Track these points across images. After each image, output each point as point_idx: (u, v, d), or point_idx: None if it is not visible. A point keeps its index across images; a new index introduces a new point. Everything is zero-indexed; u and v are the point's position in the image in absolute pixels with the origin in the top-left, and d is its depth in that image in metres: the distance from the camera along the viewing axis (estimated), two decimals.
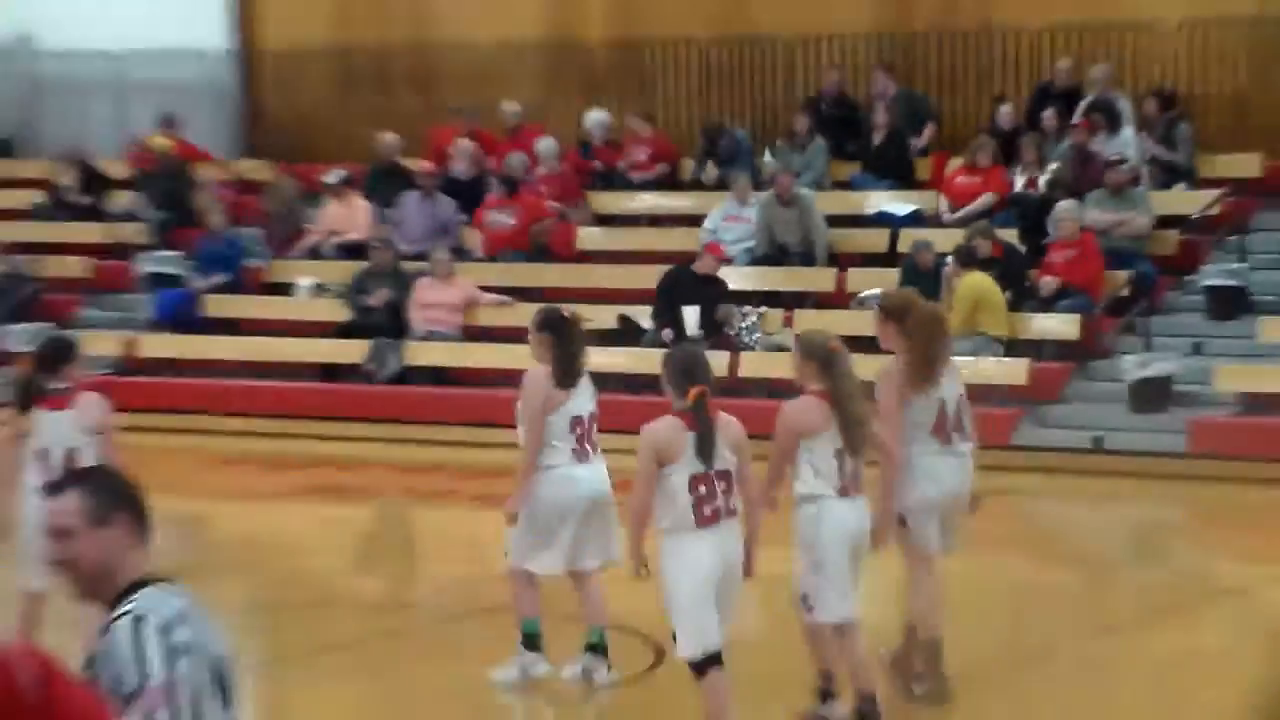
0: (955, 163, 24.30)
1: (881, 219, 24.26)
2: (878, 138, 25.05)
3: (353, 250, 25.15)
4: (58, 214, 27.63)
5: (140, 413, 23.67)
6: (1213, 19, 24.41)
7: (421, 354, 23.32)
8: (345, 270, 24.78)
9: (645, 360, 22.52)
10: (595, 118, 26.45)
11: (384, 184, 25.98)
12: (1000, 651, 14.15)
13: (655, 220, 25.41)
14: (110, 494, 5.68)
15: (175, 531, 20.00)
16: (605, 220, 25.72)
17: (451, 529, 19.05)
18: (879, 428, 11.22)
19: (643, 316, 22.81)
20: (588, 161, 26.28)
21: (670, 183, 25.98)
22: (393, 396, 23.03)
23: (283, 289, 25.59)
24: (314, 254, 25.77)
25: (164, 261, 25.80)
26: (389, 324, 23.61)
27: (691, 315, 22.35)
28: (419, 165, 26.26)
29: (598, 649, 12.29)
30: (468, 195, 25.50)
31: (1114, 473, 20.27)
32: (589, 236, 25.35)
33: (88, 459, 11.43)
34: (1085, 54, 24.62)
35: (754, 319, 22.49)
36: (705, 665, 10.52)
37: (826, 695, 11.30)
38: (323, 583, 16.90)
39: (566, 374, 12.17)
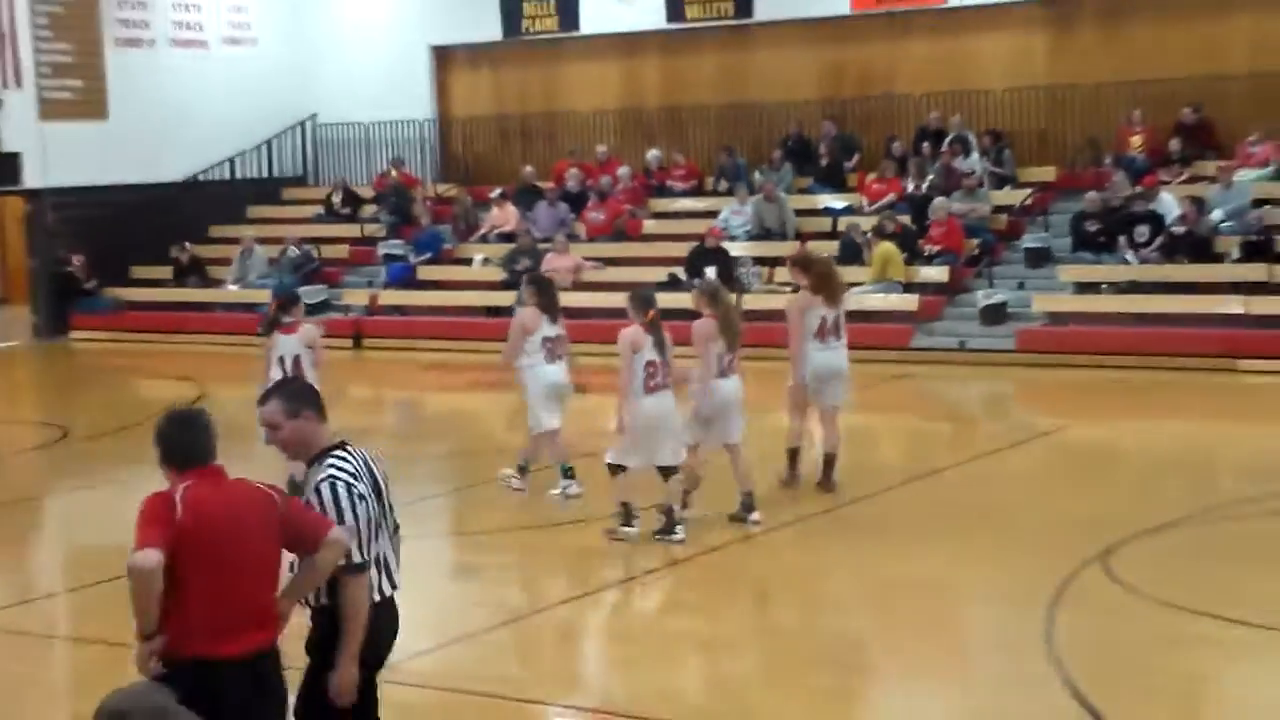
0: (871, 176, 23.85)
1: (827, 211, 23.82)
2: (824, 161, 24.64)
3: (507, 237, 24.81)
4: (330, 219, 27.46)
5: (380, 338, 23.62)
6: (1023, 86, 23.93)
7: None
8: (502, 249, 24.46)
9: (683, 300, 22.31)
10: (652, 154, 26.10)
11: (526, 197, 25.68)
12: (900, 473, 13.92)
13: (688, 214, 24.87)
14: (297, 398, 5.59)
15: (400, 410, 19.86)
16: (659, 215, 25.23)
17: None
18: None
19: (681, 273, 22.42)
20: (648, 180, 25.84)
21: (697, 191, 25.53)
22: None
23: (465, 261, 25.24)
24: (483, 240, 25.42)
25: (394, 247, 25.57)
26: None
27: (710, 272, 21.97)
28: (547, 185, 25.93)
29: (568, 472, 12.56)
30: (576, 202, 25.18)
31: (972, 363, 19.99)
32: (649, 225, 24.92)
33: (306, 365, 12.15)
34: (948, 108, 24.13)
35: (754, 271, 22.28)
36: (616, 470, 11.12)
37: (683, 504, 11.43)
38: (489, 439, 16.71)
39: (550, 310, 12.56)
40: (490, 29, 27.82)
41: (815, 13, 25.27)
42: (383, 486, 5.62)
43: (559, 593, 10.31)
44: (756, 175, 24.56)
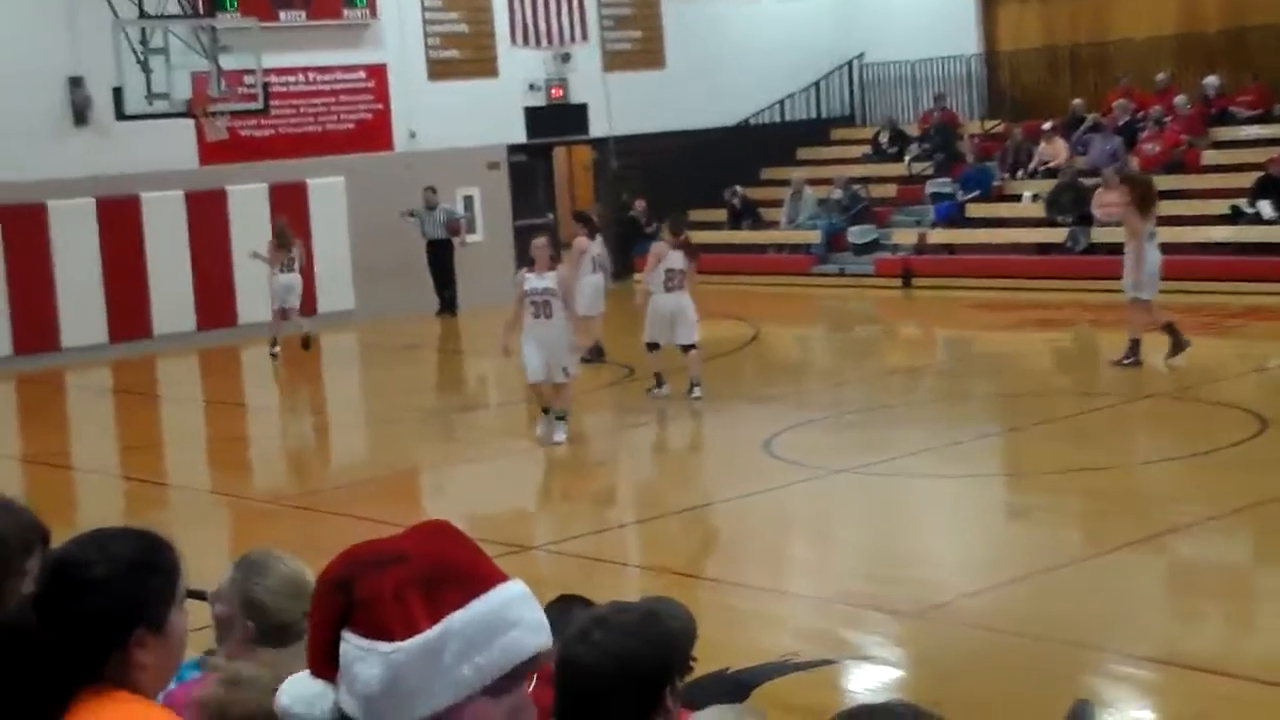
0: None
1: None
2: None
3: (1053, 173, 24.11)
4: (877, 158, 27.51)
5: (928, 277, 23.53)
6: None
7: (1099, 235, 22.18)
8: (1049, 185, 23.78)
9: (1245, 232, 21.25)
10: (1210, 81, 24.67)
11: (1075, 129, 24.87)
12: None
13: (1254, 142, 23.37)
14: None
15: (950, 348, 19.69)
16: (1220, 144, 23.85)
17: (1121, 345, 17.71)
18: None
19: (1244, 205, 21.25)
20: (1207, 108, 24.48)
21: (1264, 118, 23.94)
22: (1082, 263, 22.00)
23: (1013, 198, 24.70)
24: (1031, 175, 24.81)
25: (941, 185, 25.35)
26: (1077, 216, 22.60)
27: (1265, 206, 20.88)
28: (1098, 117, 25.02)
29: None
30: (1127, 133, 24.18)
31: None
32: (1208, 155, 23.62)
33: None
34: None
35: None
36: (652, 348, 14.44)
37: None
38: (1039, 379, 16.40)
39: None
40: None
41: None
42: None
43: (1119, 536, 9.98)
44: None
